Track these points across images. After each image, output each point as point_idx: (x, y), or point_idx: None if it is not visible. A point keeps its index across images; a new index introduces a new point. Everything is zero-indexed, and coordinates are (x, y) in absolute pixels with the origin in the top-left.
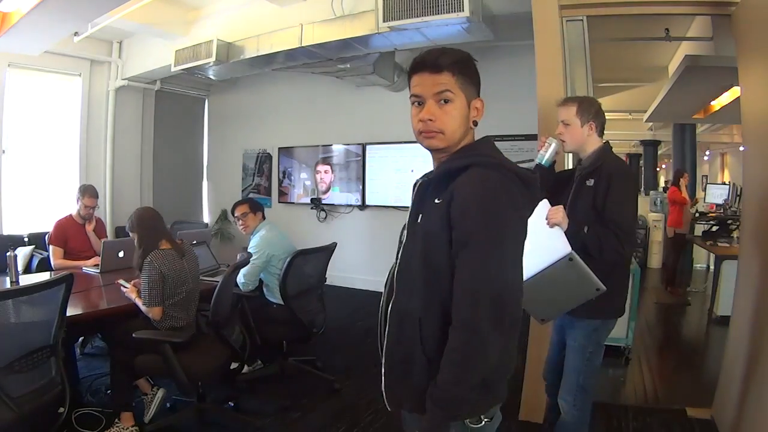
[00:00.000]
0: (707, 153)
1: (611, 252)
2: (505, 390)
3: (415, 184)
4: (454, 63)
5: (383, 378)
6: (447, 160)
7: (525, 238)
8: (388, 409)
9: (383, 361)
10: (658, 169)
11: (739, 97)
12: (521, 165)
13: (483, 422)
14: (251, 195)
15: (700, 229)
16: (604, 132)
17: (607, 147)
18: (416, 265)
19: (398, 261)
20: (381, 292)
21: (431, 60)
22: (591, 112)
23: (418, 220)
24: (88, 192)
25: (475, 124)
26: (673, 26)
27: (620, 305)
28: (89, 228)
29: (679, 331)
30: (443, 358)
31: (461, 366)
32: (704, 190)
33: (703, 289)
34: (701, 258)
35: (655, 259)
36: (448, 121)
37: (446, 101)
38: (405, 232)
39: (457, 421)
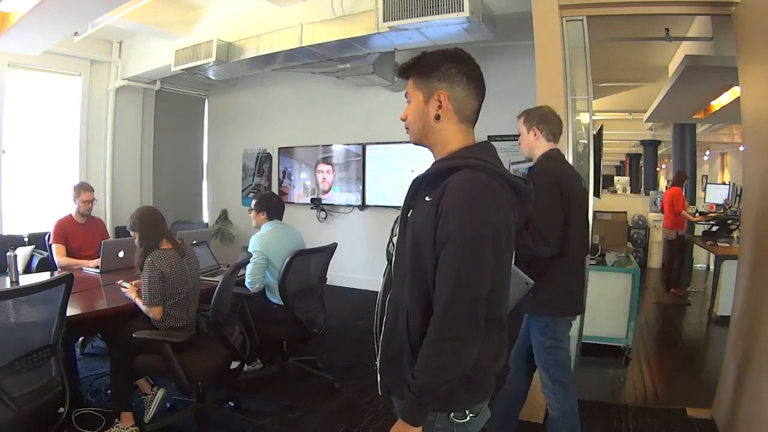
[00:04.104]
0: (707, 153)
1: (523, 249)
2: (491, 387)
3: (413, 180)
4: (410, 68)
5: (378, 364)
6: (442, 159)
7: (511, 242)
8: (380, 393)
9: (379, 347)
10: (658, 169)
11: (739, 97)
12: (521, 165)
13: (468, 417)
14: (251, 195)
15: (700, 229)
16: (557, 136)
17: (550, 153)
18: (406, 258)
19: (394, 253)
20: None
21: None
22: (534, 119)
23: (409, 215)
24: (82, 188)
25: (438, 118)
26: (673, 26)
27: (568, 305)
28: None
29: (679, 331)
30: (420, 349)
31: (434, 358)
32: (704, 190)
33: (703, 289)
34: (701, 258)
35: (655, 259)
36: (409, 118)
37: (409, 102)
38: (396, 226)
39: (430, 410)
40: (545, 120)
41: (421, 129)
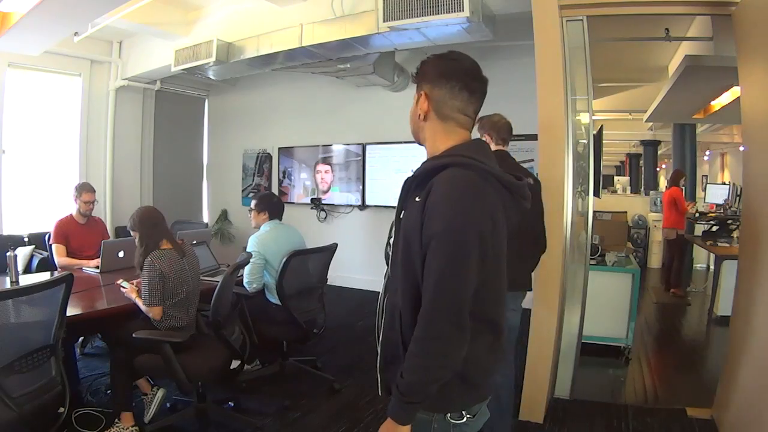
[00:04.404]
0: (707, 153)
1: None
2: (489, 389)
3: (405, 182)
4: (415, 75)
5: (377, 364)
6: (430, 159)
7: (501, 241)
8: (380, 393)
9: (379, 348)
10: (658, 169)
11: (739, 97)
12: (522, 165)
13: (465, 419)
14: (251, 195)
15: (700, 229)
16: (506, 140)
17: (498, 153)
18: (399, 260)
19: (392, 255)
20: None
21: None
22: (486, 126)
23: (401, 216)
24: (84, 189)
25: (423, 117)
26: (673, 26)
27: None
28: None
29: (679, 331)
30: (408, 348)
31: (419, 357)
32: (704, 190)
33: (703, 289)
34: (701, 258)
35: (655, 259)
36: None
37: None
38: (393, 228)
39: (417, 409)
40: (495, 127)
41: (413, 128)
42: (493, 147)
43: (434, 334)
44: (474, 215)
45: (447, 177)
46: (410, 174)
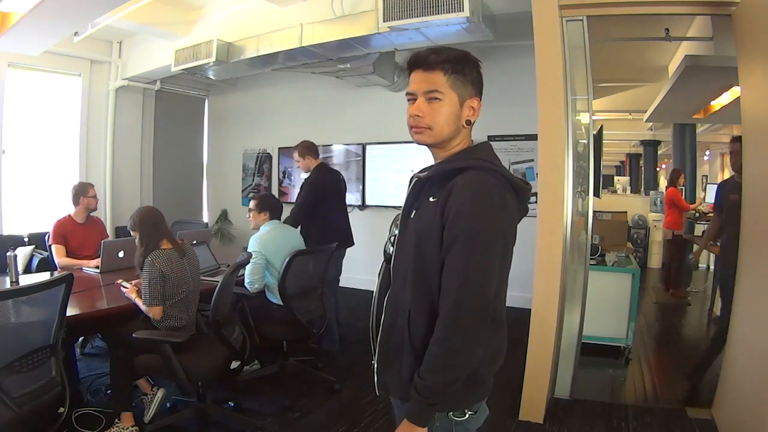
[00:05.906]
0: (707, 153)
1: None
2: (490, 386)
3: (411, 180)
4: (446, 61)
5: (375, 364)
6: (445, 160)
7: (514, 242)
8: (377, 393)
9: (376, 347)
10: (658, 169)
11: (739, 97)
12: (521, 165)
13: (467, 415)
14: (251, 195)
15: (700, 229)
16: (317, 155)
17: (317, 167)
18: (408, 259)
19: (393, 254)
20: None
21: (423, 58)
22: (303, 151)
23: (412, 216)
24: (87, 186)
25: (469, 123)
26: (673, 26)
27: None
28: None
29: (679, 331)
30: (428, 349)
31: (443, 358)
32: (704, 190)
33: (703, 289)
34: (701, 258)
35: (655, 259)
36: (436, 118)
37: (435, 99)
38: (394, 226)
39: (437, 410)
40: (311, 149)
41: (451, 132)
42: (315, 162)
43: (461, 333)
44: (498, 218)
45: (470, 180)
46: (412, 174)
